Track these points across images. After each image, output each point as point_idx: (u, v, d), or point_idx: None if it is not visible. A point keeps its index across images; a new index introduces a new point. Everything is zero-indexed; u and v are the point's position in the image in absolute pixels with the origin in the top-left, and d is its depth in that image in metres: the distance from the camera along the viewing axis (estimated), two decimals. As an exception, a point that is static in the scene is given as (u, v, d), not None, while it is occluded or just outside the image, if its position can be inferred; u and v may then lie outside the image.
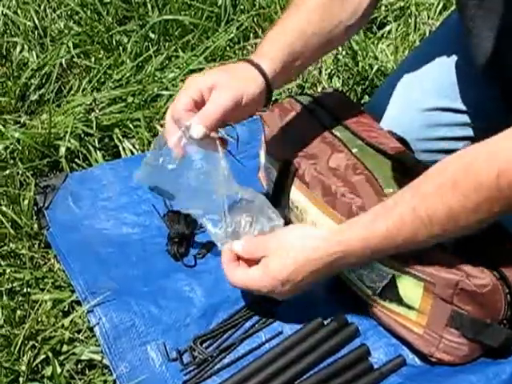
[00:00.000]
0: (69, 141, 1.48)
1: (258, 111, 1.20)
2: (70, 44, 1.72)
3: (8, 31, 1.78)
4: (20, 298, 1.24)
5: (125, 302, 1.20)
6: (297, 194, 1.25)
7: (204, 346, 1.14)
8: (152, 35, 1.75)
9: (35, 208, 1.39)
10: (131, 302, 1.20)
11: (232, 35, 1.76)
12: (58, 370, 1.13)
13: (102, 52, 1.73)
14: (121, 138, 1.53)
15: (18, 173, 1.42)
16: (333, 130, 1.26)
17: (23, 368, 1.13)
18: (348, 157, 1.21)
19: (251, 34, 1.85)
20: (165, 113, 1.50)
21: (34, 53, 1.71)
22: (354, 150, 1.22)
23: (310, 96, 1.36)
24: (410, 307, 1.08)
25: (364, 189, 1.15)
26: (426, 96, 1.41)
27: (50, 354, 1.14)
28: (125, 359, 1.13)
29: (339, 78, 1.74)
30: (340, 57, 1.77)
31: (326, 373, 1.10)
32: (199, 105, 1.10)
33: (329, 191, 1.18)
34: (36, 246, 1.34)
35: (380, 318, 1.15)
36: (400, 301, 1.09)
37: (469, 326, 1.04)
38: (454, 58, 1.41)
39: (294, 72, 1.27)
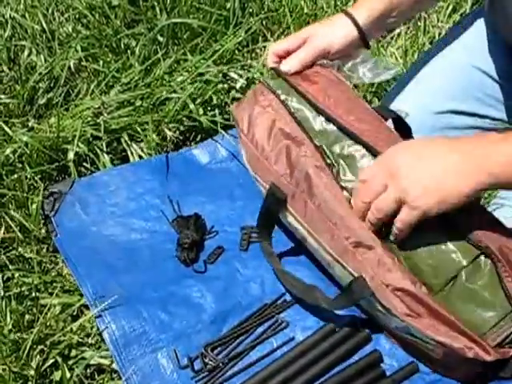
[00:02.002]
0: (77, 145, 1.47)
1: (354, 53, 1.33)
2: (78, 47, 1.71)
3: (16, 35, 1.76)
4: (28, 303, 1.23)
5: (135, 308, 1.20)
6: (293, 221, 1.22)
7: (215, 352, 1.14)
8: (160, 38, 1.73)
9: (43, 212, 1.38)
10: (141, 308, 1.20)
11: (241, 38, 1.74)
12: (68, 374, 1.13)
13: (110, 55, 1.71)
14: (129, 141, 1.52)
15: (26, 177, 1.41)
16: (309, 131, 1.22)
17: (32, 373, 1.12)
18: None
19: (260, 37, 1.84)
20: (173, 117, 1.54)
21: (42, 56, 1.70)
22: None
23: (284, 81, 1.29)
24: (426, 342, 1.06)
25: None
26: (435, 98, 1.40)
27: (58, 359, 1.14)
28: (135, 366, 1.13)
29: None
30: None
31: (337, 379, 1.09)
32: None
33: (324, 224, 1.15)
34: (44, 250, 1.34)
35: (399, 343, 1.14)
36: (417, 337, 1.07)
37: None
38: (465, 60, 1.41)
39: (388, 25, 1.38)
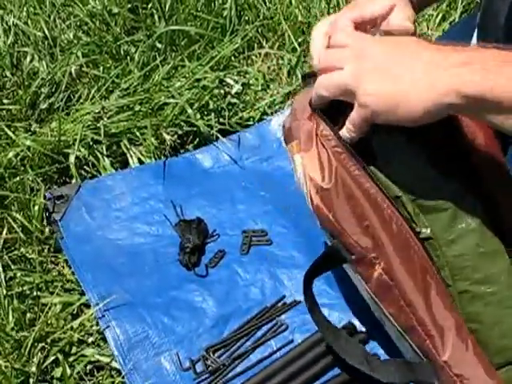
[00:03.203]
0: (78, 148, 1.45)
1: None
2: (79, 54, 1.69)
3: (19, 41, 1.74)
4: (30, 301, 1.22)
5: (138, 313, 1.19)
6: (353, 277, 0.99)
7: (216, 355, 1.13)
8: (159, 45, 1.71)
9: (48, 214, 1.36)
10: (144, 313, 1.19)
11: (237, 45, 1.72)
12: (68, 371, 1.12)
13: (110, 61, 1.69)
14: (128, 145, 1.50)
15: (28, 179, 1.39)
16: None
17: (33, 369, 1.12)
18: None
19: (255, 44, 1.81)
20: (171, 121, 1.51)
21: (43, 62, 1.68)
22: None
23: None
24: None
25: None
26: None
27: (59, 356, 1.13)
28: (139, 370, 1.12)
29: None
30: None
31: (336, 381, 1.07)
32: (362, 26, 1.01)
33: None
34: (46, 250, 1.32)
35: None
36: None
37: None
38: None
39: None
